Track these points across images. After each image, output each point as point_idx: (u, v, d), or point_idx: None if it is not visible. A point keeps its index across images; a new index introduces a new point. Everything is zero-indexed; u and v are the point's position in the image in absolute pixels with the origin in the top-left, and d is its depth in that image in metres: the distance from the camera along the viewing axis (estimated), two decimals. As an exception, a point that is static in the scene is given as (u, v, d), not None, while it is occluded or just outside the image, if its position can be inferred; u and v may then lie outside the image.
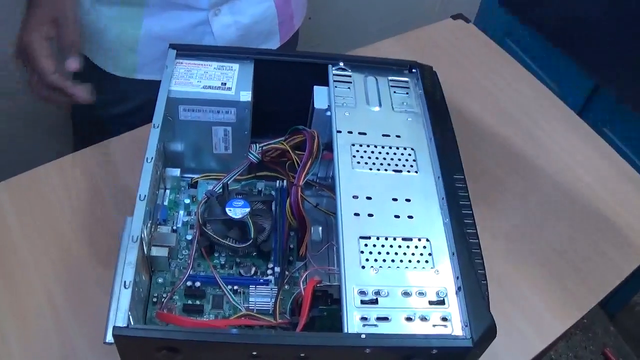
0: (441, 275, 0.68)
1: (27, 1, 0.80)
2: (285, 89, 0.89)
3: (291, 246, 0.85)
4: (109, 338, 0.59)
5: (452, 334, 0.63)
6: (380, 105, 0.86)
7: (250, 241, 0.79)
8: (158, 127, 0.77)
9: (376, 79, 0.90)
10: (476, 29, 1.33)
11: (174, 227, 0.84)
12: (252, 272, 0.81)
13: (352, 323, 0.62)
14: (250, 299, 0.79)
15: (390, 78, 0.90)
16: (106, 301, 0.80)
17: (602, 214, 1.01)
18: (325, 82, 0.87)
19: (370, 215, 0.72)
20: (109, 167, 0.96)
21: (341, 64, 0.89)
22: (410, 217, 0.73)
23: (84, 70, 1.08)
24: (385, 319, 0.63)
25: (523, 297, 0.89)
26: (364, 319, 0.63)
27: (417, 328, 0.63)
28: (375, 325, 0.62)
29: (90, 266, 0.84)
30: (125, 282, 0.64)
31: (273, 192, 0.90)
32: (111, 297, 0.64)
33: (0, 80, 1.34)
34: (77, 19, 0.75)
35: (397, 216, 0.73)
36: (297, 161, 0.85)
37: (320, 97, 0.86)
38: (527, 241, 0.96)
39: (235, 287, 0.80)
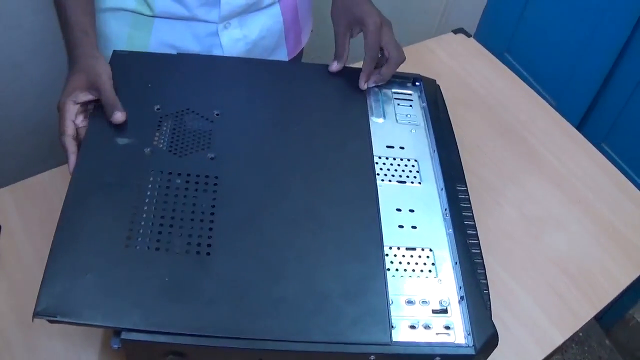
0: (444, 284, 0.69)
1: (69, 65, 0.84)
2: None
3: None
4: (117, 343, 0.60)
5: (455, 342, 0.64)
6: (384, 117, 0.88)
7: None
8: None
9: (380, 91, 0.91)
10: (477, 44, 1.34)
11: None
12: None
13: (357, 330, 0.63)
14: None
15: (394, 90, 0.92)
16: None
17: (600, 228, 1.02)
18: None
19: (374, 224, 0.73)
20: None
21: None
22: (413, 227, 0.75)
23: None
24: (390, 326, 0.64)
25: (522, 308, 0.90)
26: (368, 326, 0.64)
27: (421, 336, 0.64)
28: (380, 333, 0.64)
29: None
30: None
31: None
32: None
33: (6, 87, 1.34)
34: (111, 82, 0.80)
35: (400, 226, 0.74)
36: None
37: None
38: (525, 252, 0.97)
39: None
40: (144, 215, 0.68)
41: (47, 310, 0.60)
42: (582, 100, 1.64)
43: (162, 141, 0.77)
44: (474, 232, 0.75)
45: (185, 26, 1.00)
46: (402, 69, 0.92)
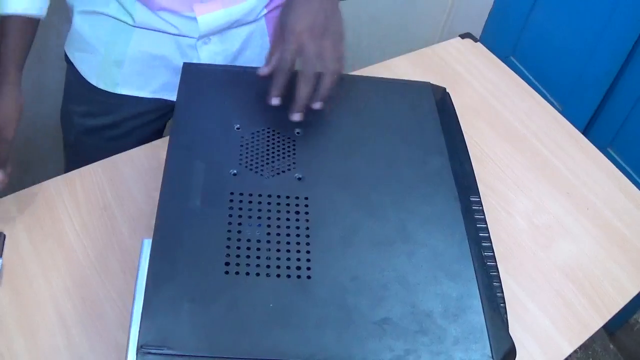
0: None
1: None
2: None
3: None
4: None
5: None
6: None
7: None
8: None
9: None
10: (484, 48, 1.34)
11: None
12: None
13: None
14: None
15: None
16: (117, 320, 0.80)
17: (608, 236, 1.02)
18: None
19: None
20: (120, 182, 0.96)
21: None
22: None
23: (72, 77, 1.07)
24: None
25: (530, 318, 0.90)
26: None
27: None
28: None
29: (100, 281, 0.84)
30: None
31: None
32: (131, 324, 0.63)
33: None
34: (13, 141, 0.80)
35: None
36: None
37: None
38: (534, 261, 0.96)
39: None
40: (239, 240, 0.67)
41: (151, 342, 0.58)
42: (588, 105, 1.63)
43: (246, 162, 0.76)
44: (489, 244, 0.75)
45: (165, 37, 0.98)
46: (410, 73, 0.92)
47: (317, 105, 0.81)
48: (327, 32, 0.81)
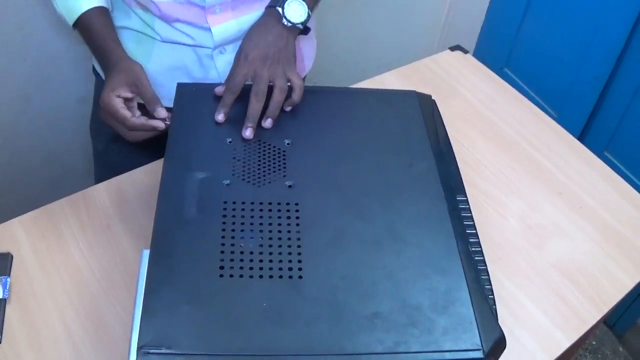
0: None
1: (106, 70, 0.93)
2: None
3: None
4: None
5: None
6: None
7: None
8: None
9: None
10: (474, 60, 1.36)
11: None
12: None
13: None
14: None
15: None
16: (122, 332, 0.82)
17: (603, 233, 1.03)
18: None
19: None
20: (122, 202, 0.99)
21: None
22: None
23: (100, 89, 1.11)
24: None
25: (527, 314, 0.91)
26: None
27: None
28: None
29: (104, 296, 0.87)
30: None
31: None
32: (132, 328, 0.66)
33: (17, 119, 1.37)
34: (149, 81, 0.89)
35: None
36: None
37: None
38: (529, 261, 0.98)
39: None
40: (233, 245, 0.71)
41: (150, 343, 0.61)
42: (582, 110, 1.65)
43: (238, 173, 0.80)
44: (476, 240, 0.77)
45: (184, 50, 1.04)
46: (401, 86, 0.94)
47: (267, 124, 0.87)
48: (278, 61, 0.91)
